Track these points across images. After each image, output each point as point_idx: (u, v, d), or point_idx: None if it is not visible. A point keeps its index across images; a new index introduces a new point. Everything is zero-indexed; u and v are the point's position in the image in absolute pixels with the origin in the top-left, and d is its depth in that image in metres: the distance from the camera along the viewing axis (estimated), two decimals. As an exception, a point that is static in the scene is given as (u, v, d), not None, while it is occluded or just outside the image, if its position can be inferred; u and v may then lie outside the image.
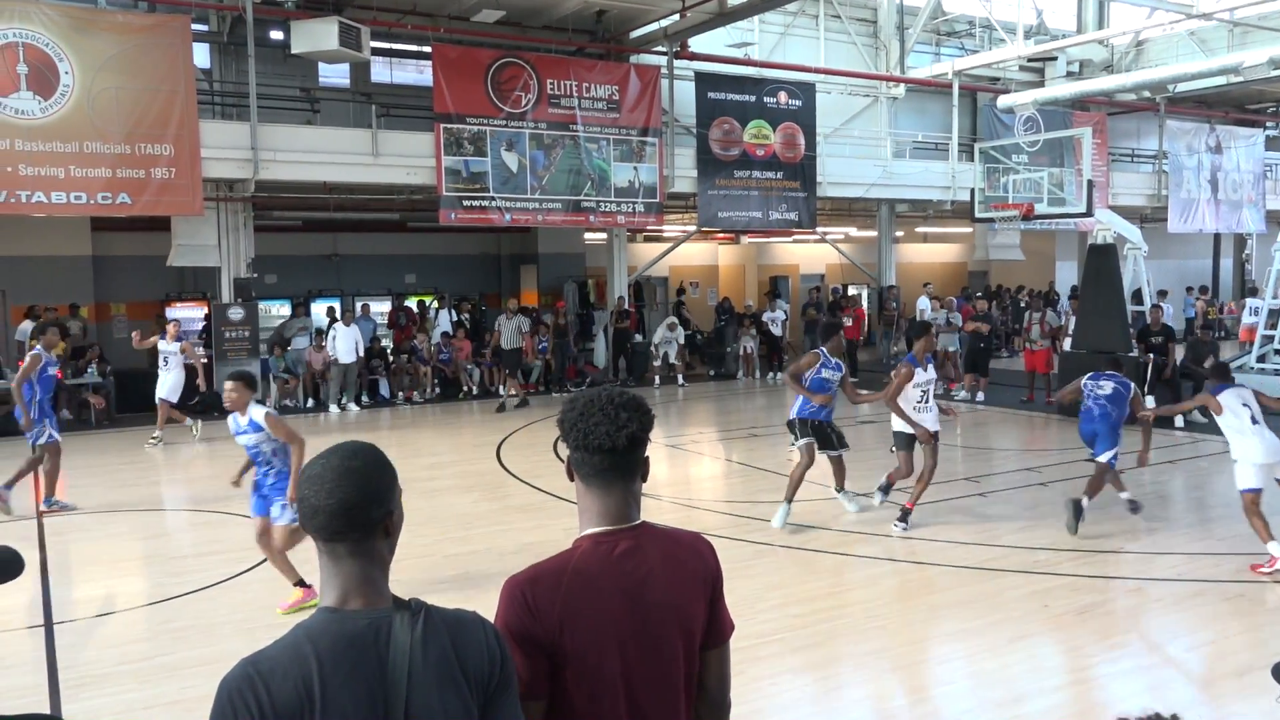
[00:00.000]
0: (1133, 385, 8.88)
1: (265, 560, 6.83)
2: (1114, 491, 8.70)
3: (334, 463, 1.81)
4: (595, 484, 2.13)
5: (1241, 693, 5.18)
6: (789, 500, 8.66)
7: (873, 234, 24.61)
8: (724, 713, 2.25)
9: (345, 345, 16.29)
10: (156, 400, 13.62)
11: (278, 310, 19.62)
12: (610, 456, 2.10)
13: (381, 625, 1.75)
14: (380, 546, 1.83)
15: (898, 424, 8.52)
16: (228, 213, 16.28)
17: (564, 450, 2.22)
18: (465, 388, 17.83)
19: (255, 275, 17.16)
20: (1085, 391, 8.81)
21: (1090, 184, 15.58)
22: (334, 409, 16.20)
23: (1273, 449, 7.19)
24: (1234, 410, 7.26)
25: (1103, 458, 8.60)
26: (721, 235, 26.00)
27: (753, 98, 19.61)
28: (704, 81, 19.15)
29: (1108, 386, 8.77)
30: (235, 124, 15.74)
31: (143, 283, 18.71)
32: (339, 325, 16.47)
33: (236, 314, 16.30)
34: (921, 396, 8.40)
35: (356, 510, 1.78)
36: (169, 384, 13.66)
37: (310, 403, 16.76)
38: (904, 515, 8.39)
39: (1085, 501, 8.37)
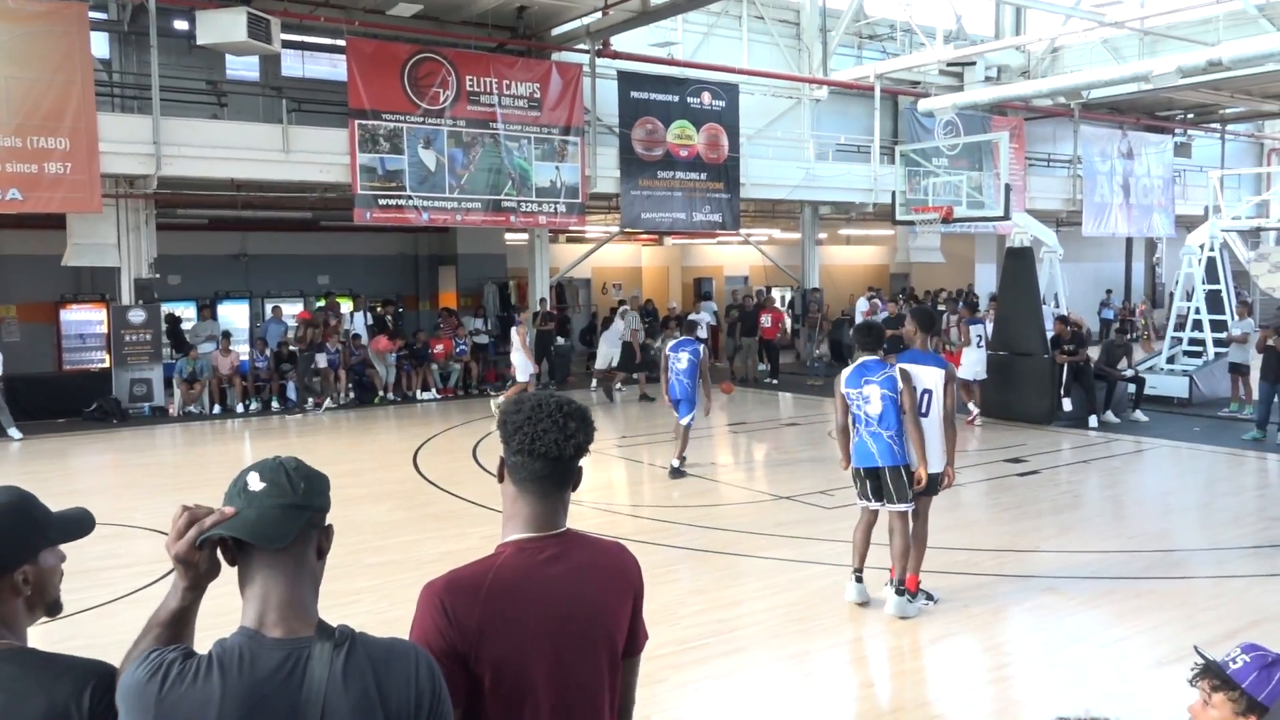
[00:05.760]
0: (702, 348, 10.94)
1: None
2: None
3: (268, 461, 1.77)
4: (530, 490, 2.12)
5: (1153, 687, 5.41)
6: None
7: (796, 236, 24.97)
8: None
9: None
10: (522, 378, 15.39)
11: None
12: (554, 464, 2.10)
13: (300, 658, 1.68)
14: (311, 556, 1.79)
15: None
16: (128, 210, 15.81)
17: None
18: (380, 391, 17.58)
19: (158, 276, 16.70)
20: (670, 363, 10.93)
21: (1008, 188, 16.06)
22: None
23: None
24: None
25: (685, 420, 10.82)
26: (645, 237, 26.11)
27: (676, 98, 19.73)
28: (627, 81, 19.21)
29: (684, 359, 10.76)
30: (137, 117, 15.33)
31: (35, 283, 18.02)
32: None
33: (138, 317, 15.84)
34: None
35: (298, 498, 1.74)
36: (522, 365, 15.45)
37: (217, 409, 16.35)
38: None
39: (678, 462, 10.86)
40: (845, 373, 6.60)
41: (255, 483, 1.75)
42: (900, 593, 6.50)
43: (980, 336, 14.55)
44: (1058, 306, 16.21)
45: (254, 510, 1.73)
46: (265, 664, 1.66)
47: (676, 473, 10.93)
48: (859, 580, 6.65)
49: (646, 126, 19.37)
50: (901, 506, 6.47)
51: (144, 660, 1.68)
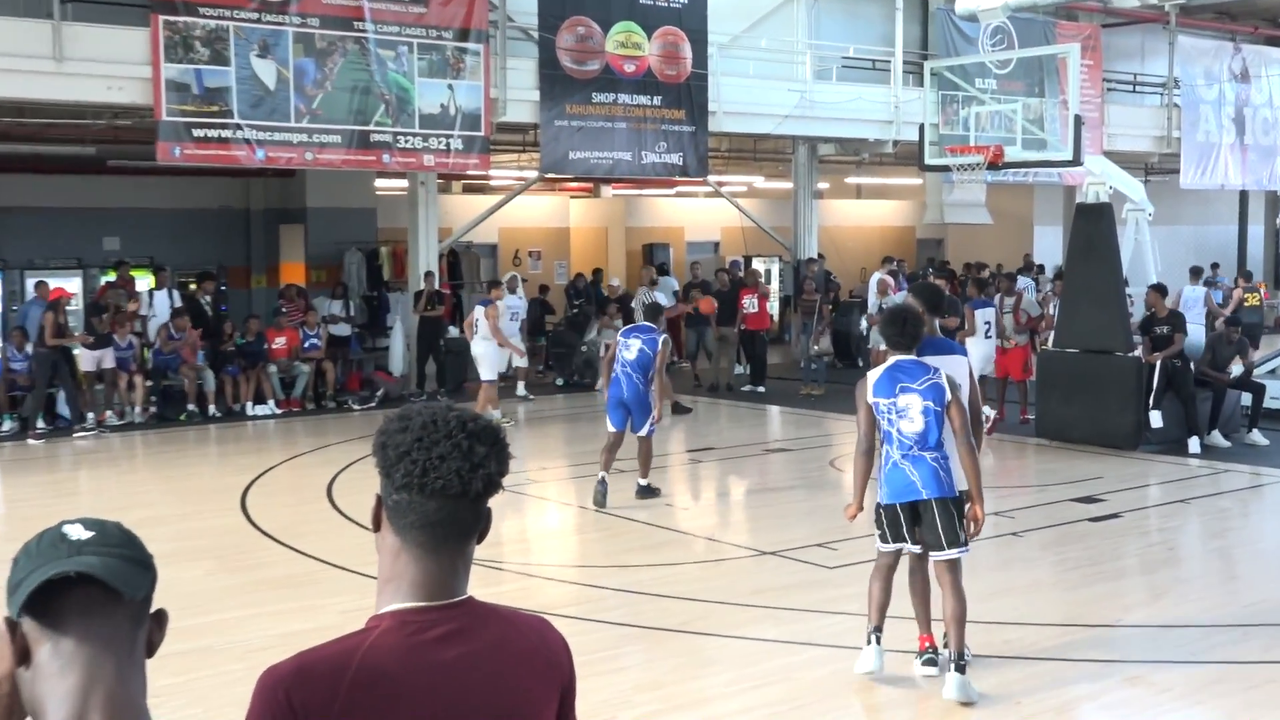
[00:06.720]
0: (661, 340, 11.58)
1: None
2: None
3: (78, 520, 1.77)
4: (419, 539, 2.08)
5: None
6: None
7: (787, 186, 25.12)
8: None
9: None
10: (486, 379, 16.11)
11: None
12: (454, 505, 2.07)
13: None
14: (143, 645, 1.77)
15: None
16: None
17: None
18: (191, 405, 17.30)
19: None
20: (618, 351, 11.58)
21: (1079, 121, 16.25)
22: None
23: None
24: None
25: (643, 431, 11.56)
26: (575, 185, 26.09)
27: (619, -10, 19.77)
28: (549, -35, 19.20)
29: (634, 348, 11.40)
30: None
31: None
32: None
33: None
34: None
35: (137, 553, 1.74)
36: (488, 358, 16.22)
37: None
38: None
39: (645, 481, 11.66)
40: (873, 376, 6.71)
41: (78, 531, 1.75)
42: (961, 669, 6.56)
43: (989, 323, 15.65)
44: (1216, 279, 16.23)
45: (92, 556, 1.71)
46: None
47: (647, 491, 11.75)
48: (877, 642, 6.70)
49: (578, 30, 19.34)
50: (953, 553, 6.56)
51: None
